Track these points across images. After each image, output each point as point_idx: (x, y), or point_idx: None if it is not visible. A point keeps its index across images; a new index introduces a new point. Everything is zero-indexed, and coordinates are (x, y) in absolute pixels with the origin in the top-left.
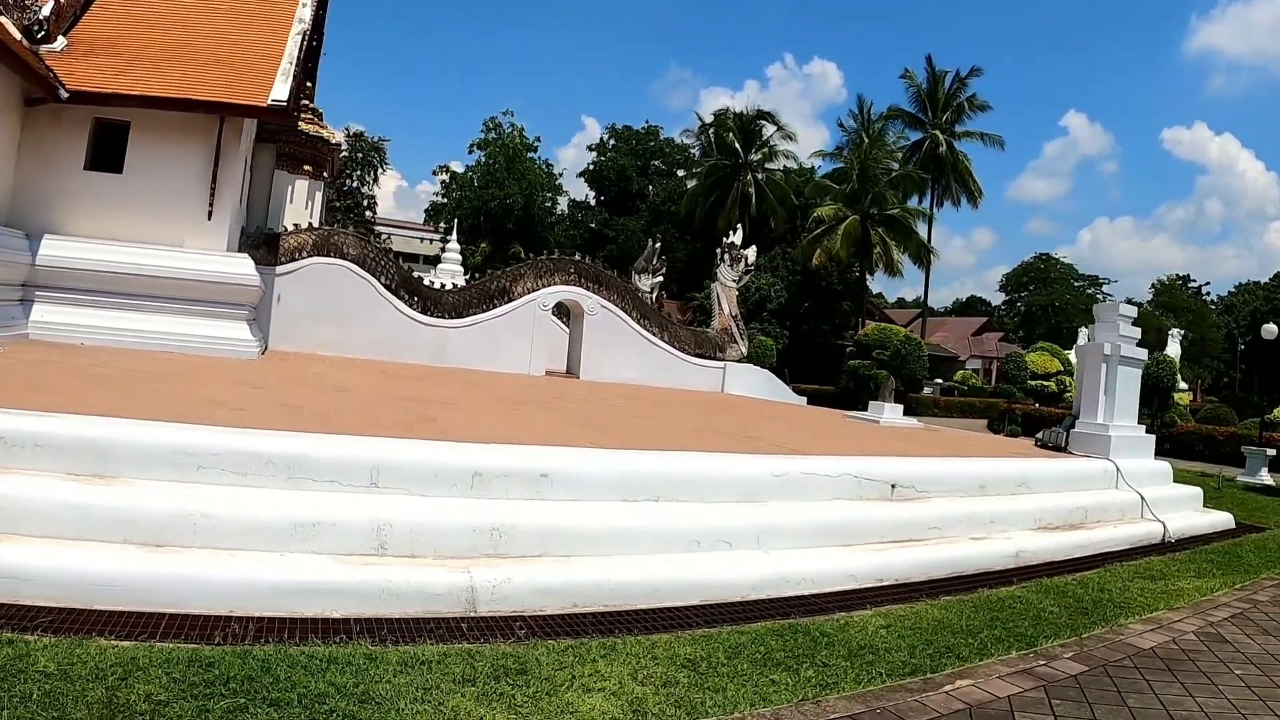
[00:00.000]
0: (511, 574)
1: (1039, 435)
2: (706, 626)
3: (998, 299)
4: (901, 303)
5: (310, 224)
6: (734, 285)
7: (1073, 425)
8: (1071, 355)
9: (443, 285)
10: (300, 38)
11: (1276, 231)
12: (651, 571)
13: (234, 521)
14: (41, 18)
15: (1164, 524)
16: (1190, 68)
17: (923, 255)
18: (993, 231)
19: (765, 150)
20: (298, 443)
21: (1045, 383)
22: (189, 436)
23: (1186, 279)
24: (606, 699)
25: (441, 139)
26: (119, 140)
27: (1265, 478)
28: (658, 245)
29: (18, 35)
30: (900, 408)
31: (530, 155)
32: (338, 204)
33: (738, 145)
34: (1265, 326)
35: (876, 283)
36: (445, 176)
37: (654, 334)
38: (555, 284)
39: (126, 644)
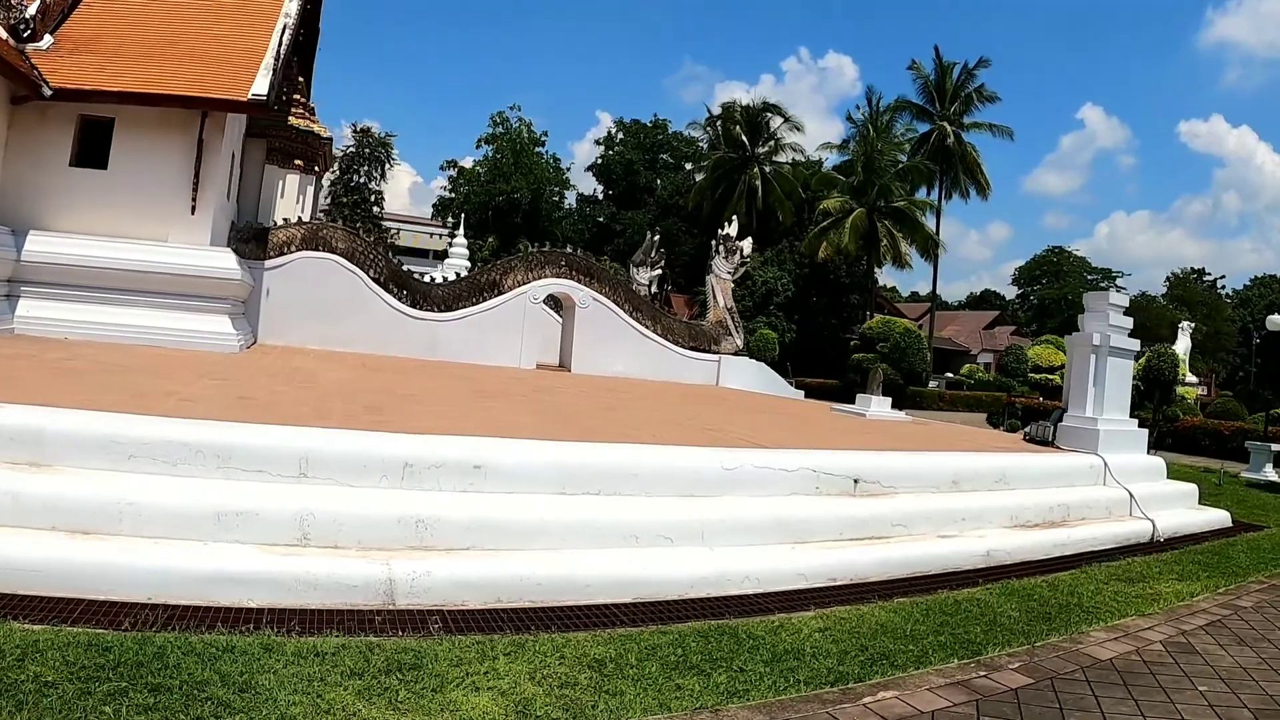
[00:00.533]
0: (433, 567)
1: (1027, 429)
2: (631, 625)
3: (1012, 293)
4: (915, 296)
5: (300, 218)
6: (729, 277)
7: (1060, 419)
8: None
9: (443, 279)
10: (286, 32)
11: None
12: (580, 567)
13: (159, 510)
14: (27, 17)
15: (1153, 522)
16: (1206, 60)
17: (930, 248)
18: (1009, 225)
19: (772, 143)
20: (227, 433)
21: (1050, 376)
22: (120, 426)
23: (1201, 272)
24: (493, 698)
25: (457, 135)
26: (104, 137)
27: (1270, 474)
28: (656, 238)
29: (3, 35)
30: (888, 400)
31: (538, 150)
32: (345, 199)
33: (744, 138)
34: (1270, 318)
35: (890, 276)
36: (453, 171)
37: (647, 327)
38: (546, 277)
39: (37, 628)
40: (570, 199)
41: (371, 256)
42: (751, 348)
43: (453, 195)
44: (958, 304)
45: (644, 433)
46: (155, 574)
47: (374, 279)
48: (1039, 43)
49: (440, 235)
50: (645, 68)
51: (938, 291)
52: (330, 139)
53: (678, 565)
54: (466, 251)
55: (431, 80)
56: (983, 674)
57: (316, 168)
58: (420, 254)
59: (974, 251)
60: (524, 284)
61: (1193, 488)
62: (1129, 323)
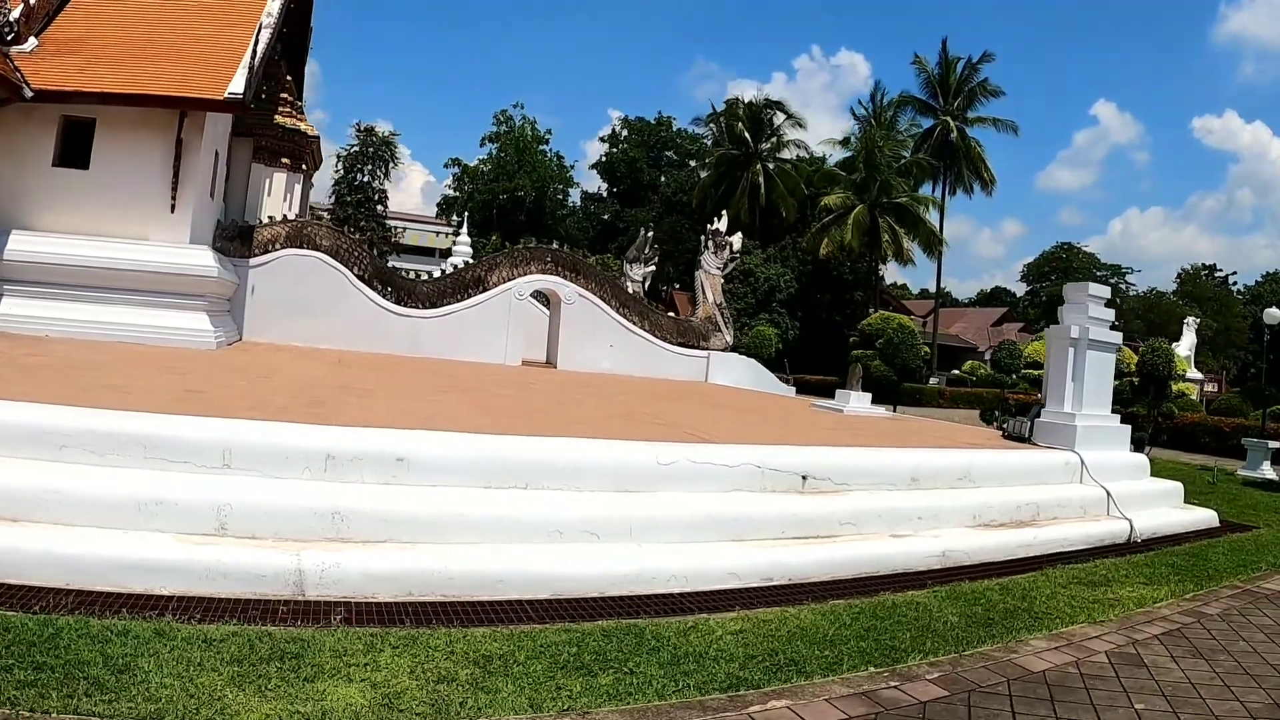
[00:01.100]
0: (343, 559)
1: (1005, 425)
2: (538, 622)
3: (1022, 290)
4: (925, 294)
5: (285, 216)
6: (718, 273)
7: (1038, 414)
8: None
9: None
10: (264, 32)
11: None
12: (495, 562)
13: (82, 498)
14: (11, 20)
15: (1130, 522)
16: (1220, 55)
17: (933, 244)
18: (1022, 223)
19: (775, 139)
20: (151, 424)
21: None
22: (47, 416)
23: (1213, 268)
24: (362, 690)
25: (470, 134)
26: (86, 137)
27: (1267, 472)
28: (650, 234)
29: None
30: (868, 396)
31: (541, 147)
32: (349, 199)
33: (747, 135)
34: (1269, 311)
35: (901, 274)
36: (457, 169)
37: (634, 323)
38: (531, 273)
39: None
40: (575, 197)
41: (356, 254)
42: (748, 345)
43: (457, 194)
44: (969, 301)
45: (592, 428)
46: (73, 560)
47: (358, 276)
48: (1052, 39)
49: (446, 234)
50: (657, 66)
51: (949, 289)
52: (318, 137)
53: (599, 562)
54: (470, 250)
55: (444, 80)
56: (894, 684)
57: (304, 166)
58: (427, 253)
59: (987, 249)
60: (509, 280)
61: (1177, 486)
62: (1110, 315)
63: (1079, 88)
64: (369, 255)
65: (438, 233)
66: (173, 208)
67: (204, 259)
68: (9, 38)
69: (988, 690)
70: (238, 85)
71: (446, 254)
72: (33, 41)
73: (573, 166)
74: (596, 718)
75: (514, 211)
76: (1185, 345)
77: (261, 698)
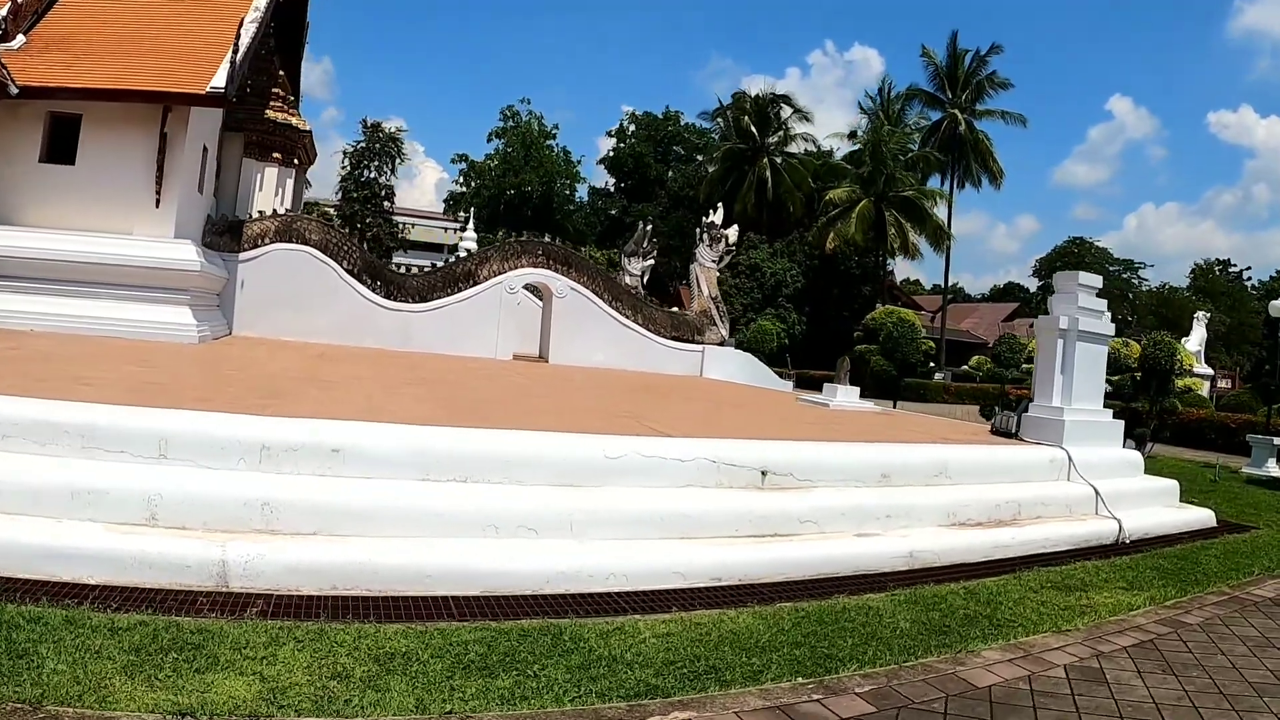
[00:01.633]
0: (267, 550)
1: (993, 420)
2: (460, 620)
3: (1035, 285)
4: (938, 289)
5: (275, 210)
6: (714, 266)
7: (1026, 409)
8: None
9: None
10: (250, 26)
11: None
12: (424, 557)
13: (19, 487)
14: None
15: (1119, 522)
16: (1235, 49)
17: (940, 238)
18: (1038, 219)
19: (782, 133)
20: (89, 414)
21: None
22: None
23: (1227, 263)
24: (250, 683)
25: (484, 131)
26: (72, 133)
27: (1273, 469)
28: (649, 228)
29: None
30: (856, 390)
31: (548, 143)
32: (355, 194)
33: (753, 129)
34: (1273, 303)
35: (915, 269)
36: (464, 165)
37: (627, 316)
38: (523, 266)
39: None
40: (582, 192)
41: (345, 248)
42: (748, 340)
43: (464, 189)
44: (981, 296)
45: (551, 421)
46: (6, 547)
47: (347, 270)
48: (1067, 33)
49: (454, 230)
50: (672, 62)
51: (964, 285)
52: (309, 131)
53: (534, 559)
54: (475, 245)
55: (459, 77)
56: (817, 698)
57: (296, 160)
58: (435, 249)
59: (1002, 244)
60: (500, 274)
61: (1173, 484)
62: (1102, 305)
63: (1094, 83)
64: (359, 249)
65: (445, 228)
66: (157, 202)
67: (186, 253)
68: None
69: (920, 707)
70: (220, 80)
71: (454, 250)
72: (20, 39)
73: (579, 161)
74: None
75: (521, 207)
76: (1195, 340)
77: (149, 687)
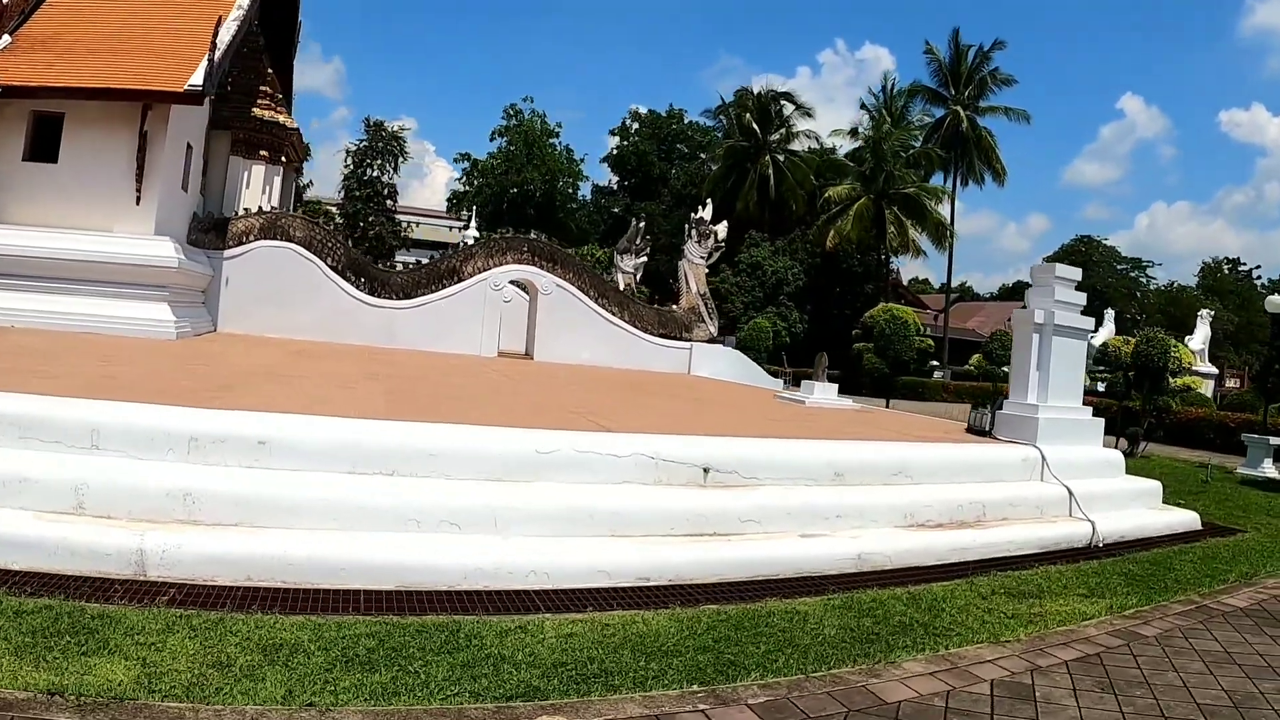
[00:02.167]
0: (185, 541)
1: (969, 417)
2: (364, 614)
3: None
4: (945, 288)
5: (260, 208)
6: (702, 262)
7: (1000, 406)
8: (1099, 337)
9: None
10: (235, 23)
11: None
12: (339, 549)
13: None
14: None
15: (1093, 524)
16: (1247, 48)
17: (942, 235)
18: (1048, 218)
19: (784, 131)
20: (23, 405)
21: None
22: None
23: (1236, 262)
24: (130, 667)
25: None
26: (55, 132)
27: (1269, 470)
28: (641, 225)
29: None
30: (834, 387)
31: (551, 141)
32: (358, 193)
33: (755, 126)
34: (1270, 299)
35: (923, 268)
36: (466, 164)
37: (613, 313)
38: (508, 263)
39: None
40: (585, 190)
41: (330, 245)
42: (744, 338)
43: (466, 188)
44: (990, 296)
45: (495, 416)
46: None
47: (331, 267)
48: (1078, 32)
49: (458, 228)
50: (681, 62)
51: (974, 284)
52: (297, 129)
53: (452, 554)
54: None
55: (470, 78)
56: (703, 708)
57: (285, 158)
58: (440, 247)
59: (1013, 243)
60: (484, 270)
61: (1155, 485)
62: (1080, 299)
63: (1105, 81)
64: (344, 246)
65: (450, 227)
66: (138, 200)
67: (164, 250)
68: None
69: None
70: (197, 78)
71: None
72: (5, 39)
73: (582, 160)
74: (337, 716)
75: (524, 205)
76: (1199, 338)
77: (34, 667)
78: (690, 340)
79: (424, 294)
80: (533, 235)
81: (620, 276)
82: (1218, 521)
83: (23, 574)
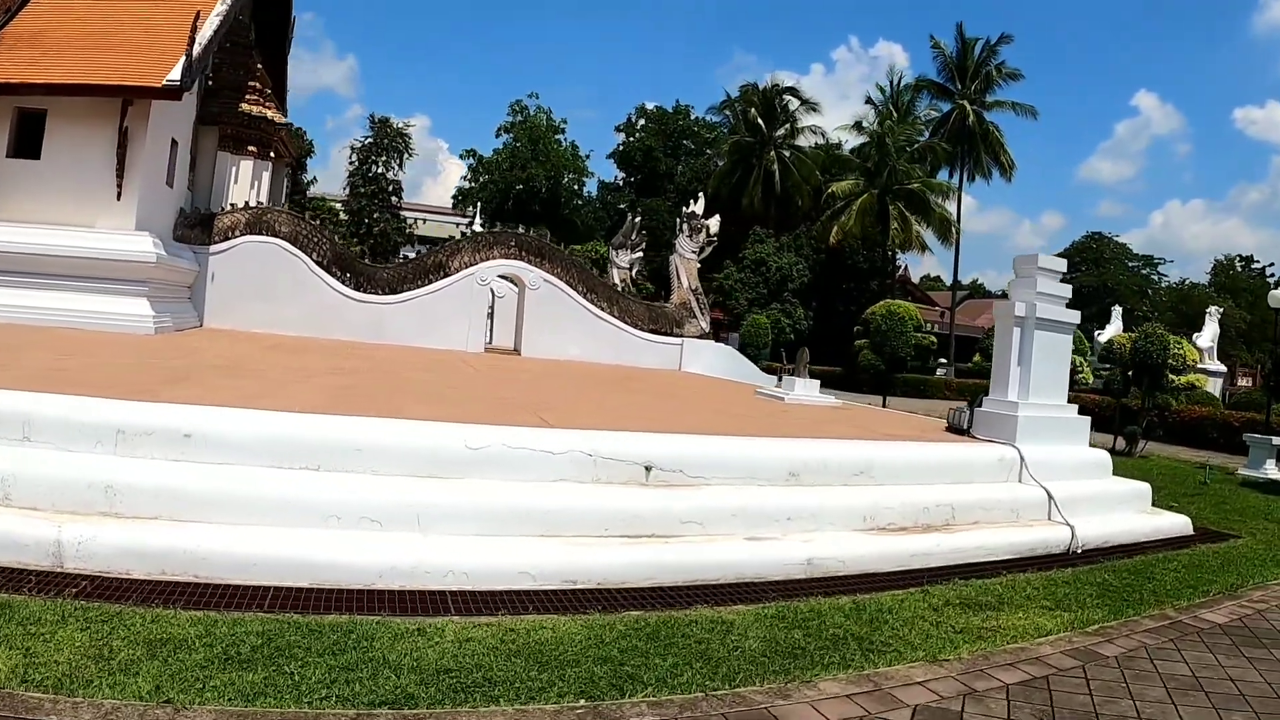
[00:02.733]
0: (101, 533)
1: (949, 415)
2: (267, 610)
3: None
4: (958, 285)
5: (247, 203)
6: (694, 257)
7: (980, 403)
8: (1106, 334)
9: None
10: (217, 18)
11: None
12: (250, 544)
13: None
14: None
15: (1072, 529)
16: (1262, 44)
17: (947, 231)
18: (1063, 215)
19: (789, 126)
20: None
21: None
22: None
23: (1250, 259)
24: (10, 656)
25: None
26: (38, 128)
27: (1271, 471)
28: (637, 220)
29: None
30: (816, 383)
31: (556, 137)
32: (363, 190)
33: (760, 121)
34: (1273, 294)
35: (936, 264)
36: (472, 160)
37: (602, 309)
38: (495, 258)
39: None
40: (592, 186)
41: (315, 240)
42: (743, 334)
43: (472, 185)
44: (1001, 293)
45: (436, 410)
46: None
47: (317, 262)
48: (1093, 29)
49: (464, 225)
50: (696, 59)
51: (986, 281)
52: (286, 125)
53: (368, 552)
54: None
55: (483, 76)
56: None
57: (274, 154)
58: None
59: (1027, 241)
60: (471, 265)
61: (1144, 487)
62: (1065, 291)
63: (1120, 78)
64: (330, 241)
65: (456, 224)
66: (119, 195)
67: (142, 245)
68: None
69: None
70: (175, 74)
71: None
72: None
73: (588, 156)
74: (190, 714)
75: (529, 202)
76: (1208, 336)
77: None
78: (682, 336)
79: (410, 289)
80: (521, 230)
81: (615, 272)
82: (1211, 526)
83: None
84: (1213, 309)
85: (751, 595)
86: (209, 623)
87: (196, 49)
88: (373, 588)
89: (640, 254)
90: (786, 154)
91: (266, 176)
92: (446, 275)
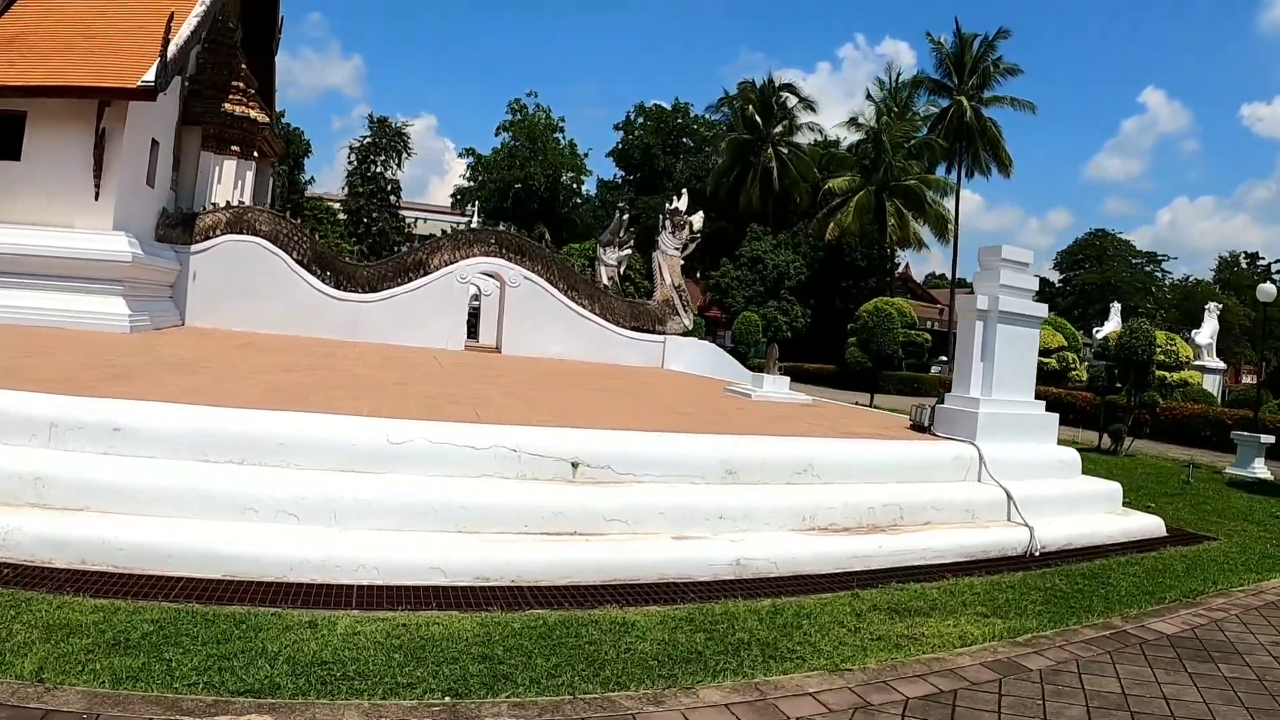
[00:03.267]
0: (23, 523)
1: (911, 412)
2: (176, 600)
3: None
4: (963, 283)
5: (228, 202)
6: (677, 254)
7: (943, 400)
8: (1103, 331)
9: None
10: (195, 19)
11: None
12: (168, 536)
13: None
14: None
15: (1031, 530)
16: (1269, 41)
17: (944, 227)
18: (1070, 213)
19: (787, 123)
20: None
21: (1044, 359)
22: None
23: (1255, 256)
24: None
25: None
26: (17, 130)
27: (1259, 470)
28: (625, 217)
29: None
30: (786, 380)
31: (555, 135)
32: (362, 189)
33: (757, 118)
34: (1262, 287)
35: (941, 261)
36: (471, 159)
37: (584, 306)
38: (475, 255)
39: None
40: (591, 185)
41: (295, 238)
42: (734, 331)
43: (471, 184)
44: None
45: (373, 406)
46: None
47: (297, 260)
48: (1099, 25)
49: (463, 224)
50: (702, 57)
51: None
52: (268, 124)
53: (281, 545)
54: None
55: (490, 76)
56: None
57: (258, 153)
58: None
59: (1035, 239)
60: (451, 263)
61: (1115, 487)
62: (1031, 283)
63: (1126, 75)
64: (310, 240)
65: (455, 223)
66: (96, 195)
67: (118, 245)
68: None
69: None
70: (150, 75)
71: None
72: None
73: (587, 154)
74: (59, 693)
75: (527, 200)
76: (1206, 332)
77: None
78: (665, 333)
79: (390, 287)
80: (500, 227)
81: (604, 269)
82: (1187, 528)
83: None
84: (1211, 305)
85: (670, 596)
86: (111, 610)
87: (172, 50)
88: (284, 580)
89: (629, 251)
90: (784, 151)
91: (250, 176)
92: (427, 273)
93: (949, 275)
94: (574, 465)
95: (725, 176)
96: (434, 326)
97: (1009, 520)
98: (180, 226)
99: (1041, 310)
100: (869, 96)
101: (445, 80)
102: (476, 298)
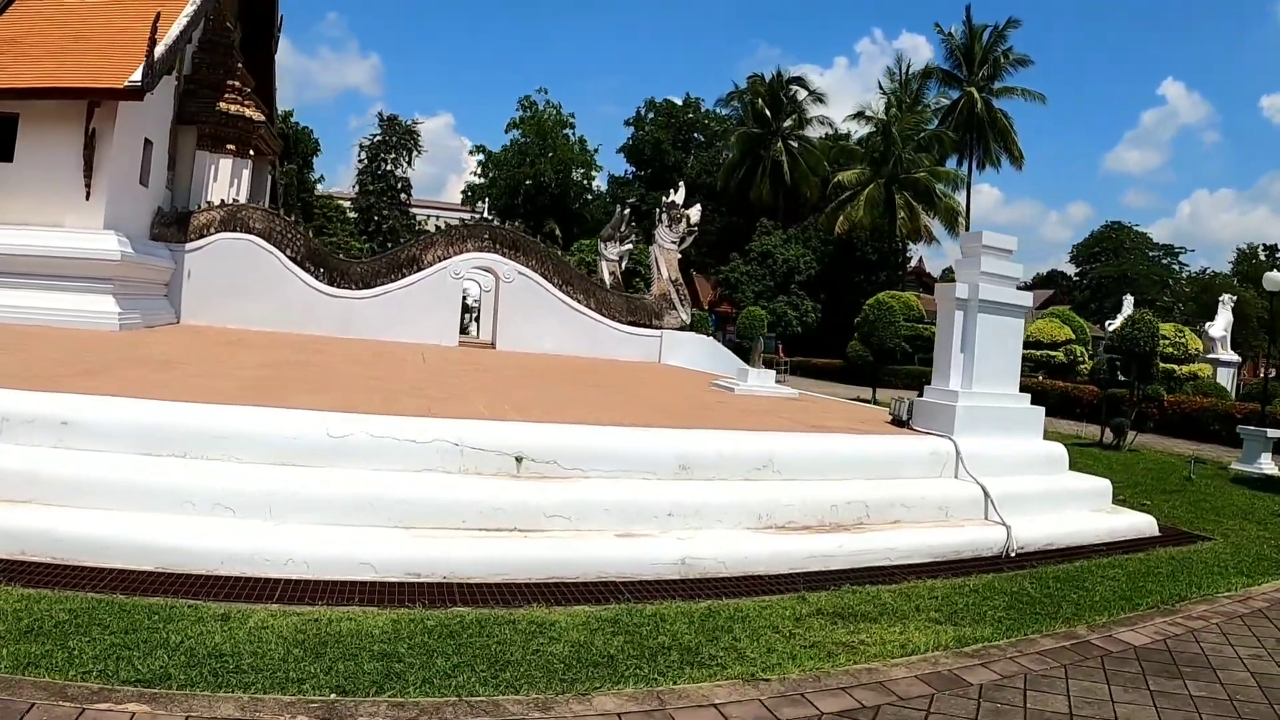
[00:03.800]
0: None
1: (891, 405)
2: (105, 591)
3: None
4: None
5: (223, 201)
6: (674, 248)
7: (923, 393)
8: (1115, 324)
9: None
10: (185, 19)
11: None
12: (104, 528)
13: None
14: None
15: (1008, 529)
16: None
17: (954, 221)
18: (1090, 205)
19: (796, 116)
20: None
21: (1053, 353)
22: None
23: (1274, 248)
24: None
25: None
26: (10, 132)
27: (1267, 466)
28: (626, 212)
29: None
30: (771, 374)
31: (565, 131)
32: (372, 187)
33: (767, 112)
34: (1268, 275)
35: (951, 256)
36: (482, 156)
37: (579, 301)
38: (469, 251)
39: None
40: (602, 181)
41: (289, 235)
42: (739, 326)
43: (482, 180)
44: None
45: (316, 400)
46: None
47: (291, 258)
48: (1119, 17)
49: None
50: (720, 52)
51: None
52: (265, 122)
53: (212, 538)
54: None
55: (507, 74)
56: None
57: (252, 151)
58: None
59: (1054, 232)
60: (445, 259)
61: (1104, 484)
62: (1015, 271)
63: (1146, 67)
64: (304, 237)
65: (466, 220)
66: (87, 195)
67: (107, 244)
68: None
69: None
70: (136, 75)
71: None
72: None
73: (596, 150)
74: None
75: (538, 196)
76: (1220, 324)
77: None
78: (661, 328)
79: (383, 283)
80: (495, 222)
81: (604, 264)
82: (1183, 527)
83: None
84: (1225, 297)
85: (605, 596)
86: (33, 599)
87: (160, 49)
88: (214, 573)
89: (630, 246)
90: (794, 145)
91: (247, 174)
92: (420, 269)
93: None
94: (518, 460)
95: (735, 171)
96: (427, 322)
97: (985, 519)
98: (175, 225)
99: (1026, 299)
100: (881, 89)
101: (462, 78)
102: (477, 296)
